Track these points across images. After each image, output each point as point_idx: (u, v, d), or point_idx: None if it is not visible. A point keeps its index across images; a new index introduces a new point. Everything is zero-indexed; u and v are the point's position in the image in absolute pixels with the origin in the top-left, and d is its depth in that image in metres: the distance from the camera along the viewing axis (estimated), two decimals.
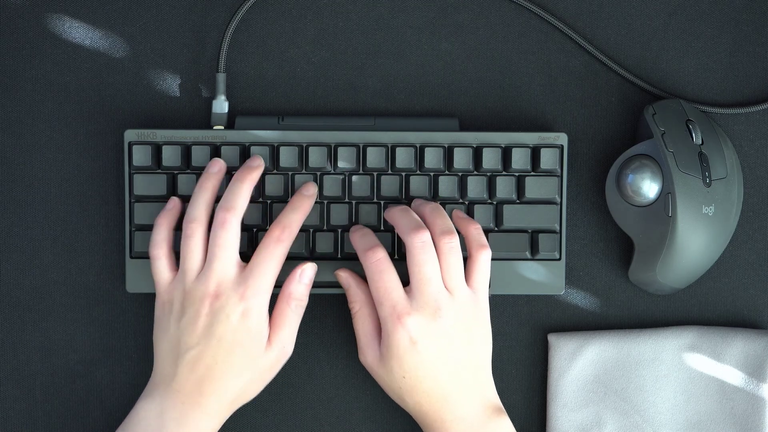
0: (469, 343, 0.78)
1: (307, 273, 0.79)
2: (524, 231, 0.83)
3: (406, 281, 0.78)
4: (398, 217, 0.79)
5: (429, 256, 0.77)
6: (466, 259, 0.80)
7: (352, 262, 0.82)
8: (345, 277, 0.81)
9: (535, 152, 0.82)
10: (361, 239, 0.80)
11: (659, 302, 0.86)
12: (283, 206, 0.82)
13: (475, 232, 0.80)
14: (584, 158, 0.85)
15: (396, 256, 0.82)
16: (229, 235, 0.76)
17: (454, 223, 0.80)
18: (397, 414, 0.85)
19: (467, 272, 0.79)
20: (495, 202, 0.83)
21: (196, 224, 0.78)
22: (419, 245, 0.77)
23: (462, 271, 0.78)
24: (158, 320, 0.78)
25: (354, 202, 0.82)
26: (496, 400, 0.79)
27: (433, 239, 0.78)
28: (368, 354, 0.79)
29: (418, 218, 0.79)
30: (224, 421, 0.78)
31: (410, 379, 0.77)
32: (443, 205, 0.82)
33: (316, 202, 0.82)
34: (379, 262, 0.78)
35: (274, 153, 0.82)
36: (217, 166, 0.80)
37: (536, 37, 0.85)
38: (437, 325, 0.77)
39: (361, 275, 0.81)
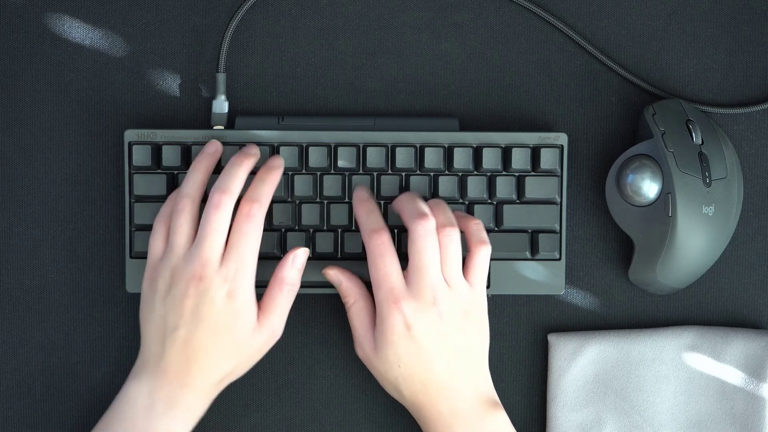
0: (465, 335, 0.78)
1: (299, 258, 0.79)
2: (524, 231, 0.83)
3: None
4: (405, 202, 0.79)
5: (431, 244, 0.77)
6: (466, 255, 0.80)
7: (352, 262, 0.82)
8: (334, 273, 0.81)
9: (535, 152, 0.82)
10: (367, 217, 0.79)
11: (659, 302, 0.86)
12: (283, 206, 0.82)
13: (476, 227, 0.80)
14: (584, 158, 0.85)
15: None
16: (222, 217, 0.76)
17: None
18: (397, 414, 0.85)
19: (466, 267, 0.79)
20: (495, 202, 0.83)
21: (187, 200, 0.78)
22: (422, 232, 0.77)
23: (460, 265, 0.78)
24: (144, 298, 0.78)
25: None
26: (492, 393, 0.79)
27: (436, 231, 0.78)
28: (364, 345, 0.79)
29: (425, 206, 0.78)
30: (213, 399, 0.78)
31: (405, 367, 0.77)
32: None
33: (316, 202, 0.82)
34: (382, 245, 0.78)
35: (274, 153, 0.82)
36: (214, 147, 0.80)
37: (536, 37, 0.85)
38: (432, 312, 0.77)
39: (351, 270, 0.81)
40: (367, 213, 0.79)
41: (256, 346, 0.78)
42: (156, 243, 0.79)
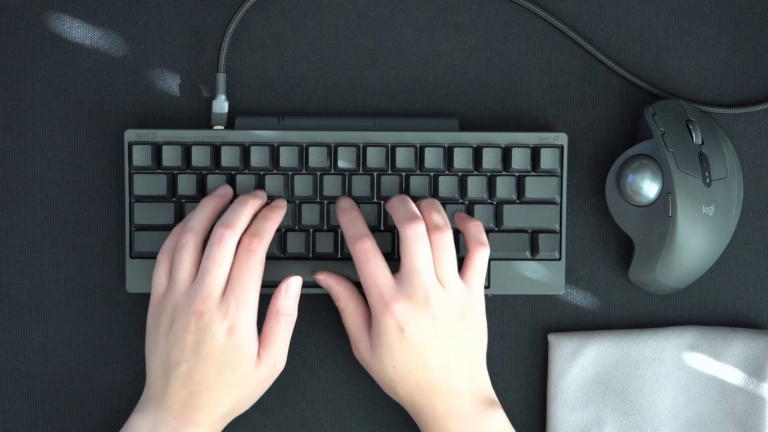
0: (460, 335, 0.78)
1: (293, 286, 0.79)
2: (524, 231, 0.83)
3: (396, 270, 0.78)
4: (395, 206, 0.79)
5: (421, 247, 0.77)
6: (464, 255, 0.80)
7: (352, 262, 0.82)
8: (324, 278, 0.81)
9: (535, 152, 0.82)
10: (349, 225, 0.79)
11: (659, 302, 0.86)
12: None
13: (475, 229, 0.79)
14: (584, 158, 0.85)
15: (396, 257, 0.82)
16: (225, 252, 0.76)
17: (455, 222, 0.80)
18: (397, 414, 0.85)
19: (463, 268, 0.79)
20: (495, 202, 0.83)
21: (191, 235, 0.78)
22: (412, 235, 0.77)
23: (455, 266, 0.78)
24: (149, 333, 0.78)
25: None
26: (490, 392, 0.79)
27: (427, 233, 0.78)
28: (360, 347, 0.79)
29: (415, 208, 0.78)
30: None
31: (400, 369, 0.77)
32: (443, 205, 0.82)
33: (316, 202, 0.82)
34: (366, 250, 0.78)
35: (274, 153, 0.82)
36: (225, 190, 0.81)
37: (536, 37, 0.85)
38: (425, 312, 0.76)
39: (340, 273, 0.81)
40: (349, 221, 0.79)
41: (259, 380, 0.78)
42: (159, 277, 0.79)
